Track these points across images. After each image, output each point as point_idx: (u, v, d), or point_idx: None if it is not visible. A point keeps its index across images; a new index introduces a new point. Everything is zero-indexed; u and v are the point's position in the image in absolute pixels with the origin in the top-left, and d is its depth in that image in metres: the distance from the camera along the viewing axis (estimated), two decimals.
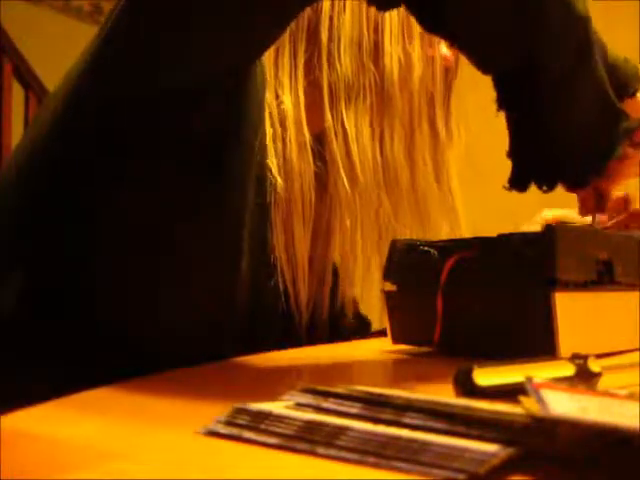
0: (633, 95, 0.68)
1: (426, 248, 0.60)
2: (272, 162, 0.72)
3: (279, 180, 0.72)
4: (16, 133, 2.70)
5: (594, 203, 0.70)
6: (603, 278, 0.57)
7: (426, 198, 0.78)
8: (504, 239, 0.56)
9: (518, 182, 0.61)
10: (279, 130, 0.73)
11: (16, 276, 0.64)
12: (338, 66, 0.75)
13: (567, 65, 0.57)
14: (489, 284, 0.56)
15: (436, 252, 0.59)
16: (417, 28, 0.76)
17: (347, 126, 0.74)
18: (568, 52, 0.57)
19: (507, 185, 0.61)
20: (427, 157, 0.79)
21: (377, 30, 0.76)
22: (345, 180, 0.74)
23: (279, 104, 0.74)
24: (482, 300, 0.57)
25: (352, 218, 0.75)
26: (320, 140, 0.76)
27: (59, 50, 3.35)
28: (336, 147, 0.74)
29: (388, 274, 0.63)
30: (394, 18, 0.76)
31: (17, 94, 2.72)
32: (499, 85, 0.59)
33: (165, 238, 0.62)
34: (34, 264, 0.64)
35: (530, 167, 0.61)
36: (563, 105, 0.58)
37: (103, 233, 0.62)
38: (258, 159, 0.68)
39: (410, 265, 0.61)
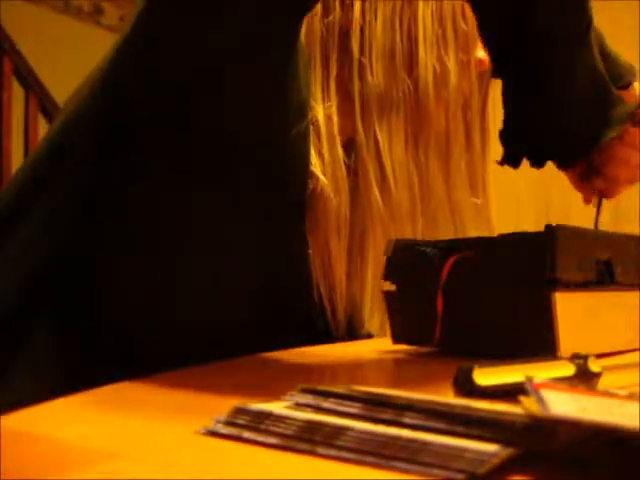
0: (627, 87, 0.68)
1: (426, 248, 0.60)
2: (314, 164, 0.69)
3: (321, 178, 0.69)
4: (16, 133, 2.70)
5: (596, 202, 0.70)
6: (603, 278, 0.57)
7: (461, 212, 0.76)
8: (504, 239, 0.56)
9: (510, 158, 0.60)
10: (315, 143, 0.71)
11: (17, 273, 0.64)
12: (370, 77, 0.72)
13: (568, 38, 0.57)
14: (489, 284, 0.56)
15: (436, 252, 0.59)
16: (452, 34, 0.74)
17: (380, 139, 0.72)
18: (571, 25, 0.56)
19: (499, 161, 0.61)
20: (463, 169, 0.76)
21: (410, 38, 0.73)
22: (377, 195, 0.71)
23: (312, 117, 0.71)
24: (482, 300, 0.57)
25: (386, 234, 0.72)
26: (353, 152, 0.73)
27: (59, 50, 3.36)
28: (368, 161, 0.72)
29: (388, 274, 0.63)
30: (428, 25, 0.73)
31: (17, 94, 2.72)
32: (495, 46, 0.58)
33: (177, 238, 0.62)
34: (37, 262, 0.64)
35: (523, 142, 0.60)
36: (561, 78, 0.58)
37: (119, 230, 0.62)
38: (299, 150, 0.66)
39: (410, 265, 0.61)
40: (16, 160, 2.63)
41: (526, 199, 2.61)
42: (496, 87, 0.73)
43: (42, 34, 3.31)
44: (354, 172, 0.73)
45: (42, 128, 2.71)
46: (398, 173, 0.72)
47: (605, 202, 0.74)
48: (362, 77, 0.72)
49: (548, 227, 0.54)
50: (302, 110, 0.66)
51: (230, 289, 0.66)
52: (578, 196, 0.77)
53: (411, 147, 0.73)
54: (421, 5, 0.73)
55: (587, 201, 0.74)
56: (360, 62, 0.72)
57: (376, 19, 0.72)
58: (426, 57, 0.73)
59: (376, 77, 0.72)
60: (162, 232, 0.62)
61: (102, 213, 0.63)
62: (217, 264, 0.64)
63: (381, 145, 0.72)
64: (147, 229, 0.62)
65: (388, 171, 0.72)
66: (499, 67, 0.59)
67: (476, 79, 0.77)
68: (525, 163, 0.62)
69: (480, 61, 0.77)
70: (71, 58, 3.22)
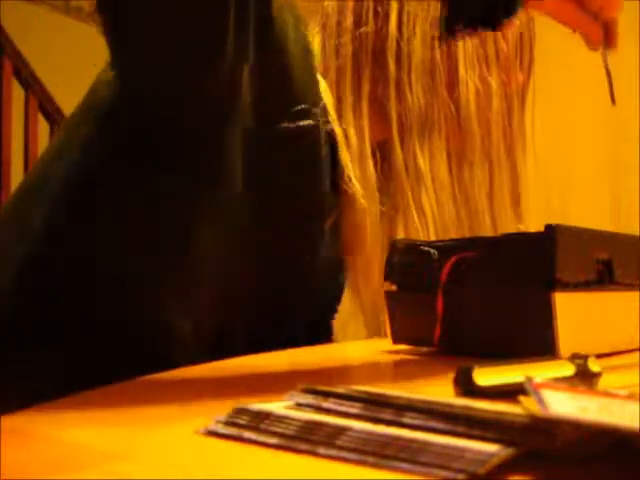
0: None
1: (426, 248, 0.60)
2: (347, 175, 0.66)
3: (355, 184, 0.66)
4: (16, 133, 2.70)
5: (601, 36, 0.66)
6: (603, 278, 0.57)
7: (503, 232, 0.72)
8: (504, 239, 0.57)
9: (450, 23, 0.54)
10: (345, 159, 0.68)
11: (16, 276, 0.64)
12: (409, 96, 0.68)
13: None
14: (489, 284, 0.56)
15: (436, 252, 0.59)
16: (493, 54, 0.71)
17: (420, 160, 0.68)
18: None
19: (437, 37, 0.56)
20: (506, 194, 0.73)
21: (451, 56, 0.70)
22: (416, 217, 0.68)
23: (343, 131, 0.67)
24: (482, 300, 0.57)
25: None
26: (386, 175, 0.70)
27: (59, 50, 3.36)
28: (408, 186, 0.68)
29: (388, 274, 0.63)
30: (468, 43, 0.70)
31: (17, 94, 2.72)
32: None
33: (181, 238, 0.62)
34: (35, 263, 0.64)
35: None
36: None
37: (117, 228, 0.62)
38: (314, 148, 0.64)
39: (410, 265, 0.61)
40: (15, 159, 2.63)
41: (526, 199, 2.61)
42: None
43: (42, 34, 3.31)
44: (388, 195, 0.70)
45: (42, 128, 2.72)
46: (442, 198, 0.69)
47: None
48: (400, 95, 0.69)
49: (548, 227, 0.54)
50: (301, 111, 0.64)
51: (233, 289, 0.66)
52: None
53: (455, 171, 0.70)
54: None
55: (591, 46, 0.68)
56: (398, 79, 0.68)
57: (415, 35, 0.69)
58: (467, 76, 0.70)
59: (416, 96, 0.68)
60: (163, 231, 0.62)
61: (102, 206, 0.62)
62: (223, 265, 0.64)
63: (422, 166, 0.68)
64: (147, 228, 0.62)
65: (431, 196, 0.68)
66: None
67: (517, 100, 0.74)
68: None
69: (520, 82, 0.74)
70: (71, 58, 3.22)
